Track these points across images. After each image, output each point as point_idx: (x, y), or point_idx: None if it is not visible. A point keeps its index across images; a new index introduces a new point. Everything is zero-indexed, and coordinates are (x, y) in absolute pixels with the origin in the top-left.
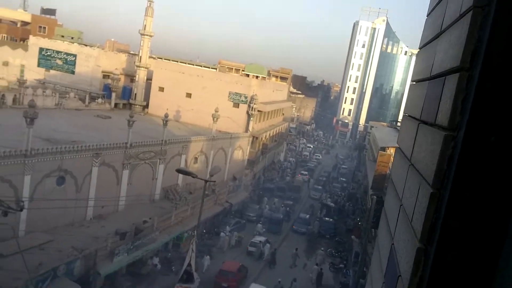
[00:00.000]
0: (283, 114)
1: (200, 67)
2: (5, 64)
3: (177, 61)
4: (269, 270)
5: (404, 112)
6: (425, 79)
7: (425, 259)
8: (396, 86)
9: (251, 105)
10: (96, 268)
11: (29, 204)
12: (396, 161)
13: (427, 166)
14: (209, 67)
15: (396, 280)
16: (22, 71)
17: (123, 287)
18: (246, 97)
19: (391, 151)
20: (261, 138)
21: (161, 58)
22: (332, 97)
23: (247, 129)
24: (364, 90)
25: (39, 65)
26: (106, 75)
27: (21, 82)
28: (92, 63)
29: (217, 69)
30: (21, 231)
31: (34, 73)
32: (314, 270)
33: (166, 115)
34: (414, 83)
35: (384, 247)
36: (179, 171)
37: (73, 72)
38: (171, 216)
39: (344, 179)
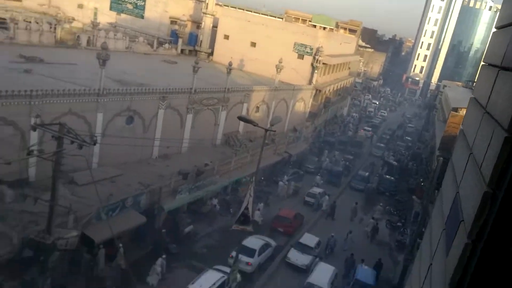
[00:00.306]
0: (349, 68)
1: (266, 16)
2: (80, 6)
3: (243, 9)
4: (325, 222)
5: (483, 61)
6: (511, 24)
7: (492, 203)
8: (476, 43)
9: (316, 57)
10: (160, 203)
11: (101, 140)
12: (470, 112)
13: (503, 112)
14: (275, 17)
15: (458, 225)
16: (95, 14)
17: (184, 222)
18: (311, 49)
19: (464, 112)
20: (325, 91)
21: (227, 6)
22: (403, 53)
23: (310, 82)
24: (439, 47)
25: (111, 8)
26: (173, 21)
27: (95, 25)
28: (160, 9)
29: (283, 19)
30: (94, 164)
31: (107, 16)
32: (370, 223)
33: (230, 64)
34: (497, 30)
35: (447, 196)
36: (241, 118)
37: (142, 17)
38: (231, 161)
39: (409, 138)
